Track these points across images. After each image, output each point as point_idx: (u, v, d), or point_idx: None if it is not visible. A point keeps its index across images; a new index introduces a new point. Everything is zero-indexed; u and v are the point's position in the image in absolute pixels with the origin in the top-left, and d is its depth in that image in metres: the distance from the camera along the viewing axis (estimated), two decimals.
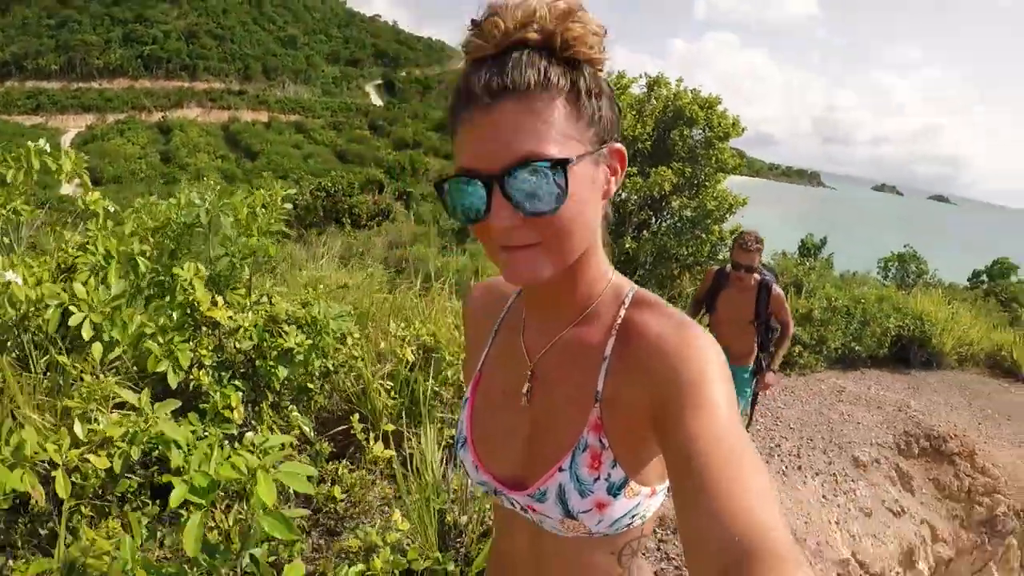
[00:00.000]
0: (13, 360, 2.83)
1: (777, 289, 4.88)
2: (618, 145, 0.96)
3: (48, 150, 3.33)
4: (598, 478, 1.00)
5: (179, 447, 2.32)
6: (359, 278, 6.63)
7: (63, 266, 3.16)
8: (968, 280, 23.50)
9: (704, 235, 12.50)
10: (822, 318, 9.68)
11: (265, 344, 3.06)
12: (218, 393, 2.85)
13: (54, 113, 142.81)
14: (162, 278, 3.27)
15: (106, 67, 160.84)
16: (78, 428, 2.37)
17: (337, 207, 21.48)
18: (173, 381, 2.73)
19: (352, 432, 3.39)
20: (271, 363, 3.04)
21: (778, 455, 6.09)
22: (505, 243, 0.91)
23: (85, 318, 2.70)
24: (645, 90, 13.44)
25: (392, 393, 3.69)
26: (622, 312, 1.03)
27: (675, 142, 12.90)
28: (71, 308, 2.72)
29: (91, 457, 2.30)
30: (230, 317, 3.01)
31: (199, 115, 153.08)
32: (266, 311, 3.16)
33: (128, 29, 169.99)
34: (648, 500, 1.04)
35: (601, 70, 0.94)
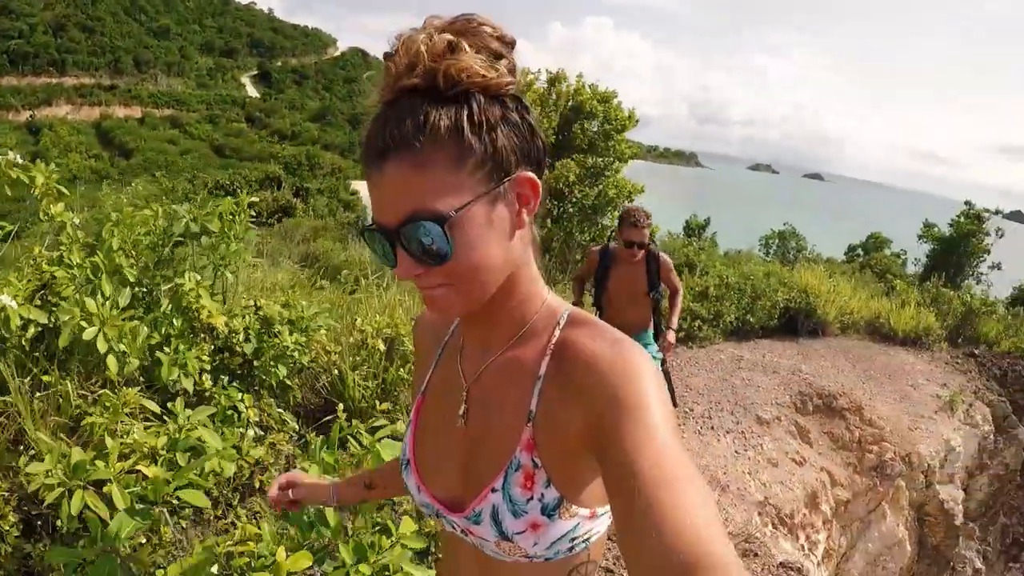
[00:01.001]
0: None
1: (664, 256, 4.96)
2: (526, 174, 0.95)
3: (21, 162, 3.21)
4: (531, 498, 1.01)
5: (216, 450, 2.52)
6: (286, 277, 6.83)
7: (38, 283, 3.11)
8: (845, 254, 24.89)
9: (602, 221, 13.23)
10: (717, 294, 10.28)
11: (265, 344, 3.34)
12: (223, 396, 3.07)
13: None
14: (142, 289, 3.40)
15: None
16: (109, 442, 2.44)
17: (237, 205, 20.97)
18: (189, 386, 2.95)
19: (330, 423, 3.68)
20: (271, 362, 3.32)
21: (692, 418, 6.69)
22: (419, 285, 0.96)
23: (99, 332, 2.79)
24: (547, 85, 13.94)
25: (369, 382, 4.02)
26: (557, 332, 1.04)
27: (576, 135, 13.55)
28: (82, 323, 2.79)
29: (143, 467, 2.36)
30: (226, 323, 3.26)
31: (69, 112, 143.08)
32: (255, 314, 3.43)
33: None
34: (588, 522, 1.04)
35: (503, 93, 0.93)
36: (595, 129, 13.51)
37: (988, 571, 9.79)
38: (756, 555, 4.74)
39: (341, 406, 3.66)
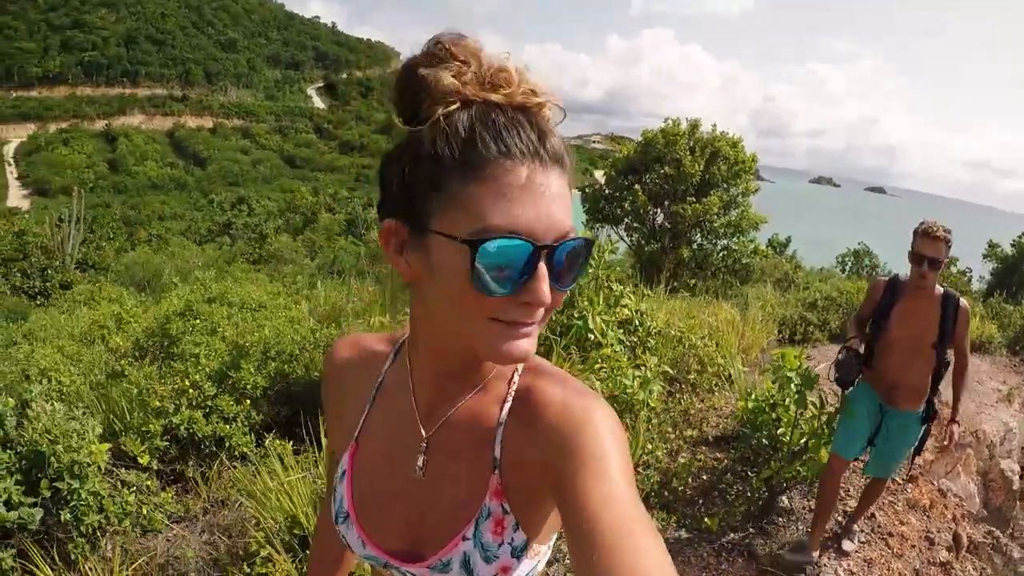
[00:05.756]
0: None
1: (965, 303, 3.88)
2: None
3: None
4: (502, 543, 0.99)
5: None
6: None
7: None
8: None
9: (731, 245, 16.40)
10: (823, 305, 12.39)
11: None
12: None
13: None
14: None
15: (46, 75, 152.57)
16: None
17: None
18: None
19: None
20: None
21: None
22: (528, 319, 0.84)
23: None
24: (688, 129, 16.78)
25: None
26: (516, 377, 1.01)
27: (715, 174, 16.42)
28: None
29: None
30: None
31: (142, 122, 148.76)
32: None
33: (66, 36, 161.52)
34: (544, 555, 1.06)
35: None
36: (726, 169, 16.38)
37: None
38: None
39: None
